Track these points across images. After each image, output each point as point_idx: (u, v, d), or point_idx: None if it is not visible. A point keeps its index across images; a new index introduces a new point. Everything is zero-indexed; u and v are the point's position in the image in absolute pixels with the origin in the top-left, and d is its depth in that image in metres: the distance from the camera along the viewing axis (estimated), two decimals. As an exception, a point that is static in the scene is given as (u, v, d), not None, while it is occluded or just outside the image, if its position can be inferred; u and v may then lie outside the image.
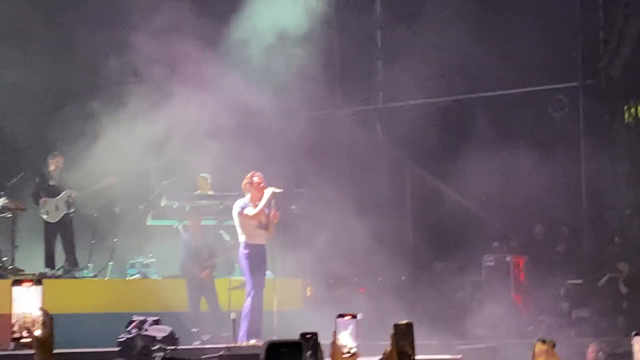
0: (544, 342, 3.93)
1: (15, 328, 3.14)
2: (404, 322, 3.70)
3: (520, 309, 16.83)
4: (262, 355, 2.93)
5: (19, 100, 16.54)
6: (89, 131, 15.38)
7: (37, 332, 3.14)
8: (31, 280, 3.16)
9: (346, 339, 3.68)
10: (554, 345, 3.92)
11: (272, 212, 12.23)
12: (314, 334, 3.81)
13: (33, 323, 3.14)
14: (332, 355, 3.69)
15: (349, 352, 3.68)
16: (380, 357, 3.75)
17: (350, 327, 3.68)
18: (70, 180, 15.13)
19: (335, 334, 3.68)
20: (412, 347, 3.69)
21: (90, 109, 15.72)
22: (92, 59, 16.34)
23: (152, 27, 14.92)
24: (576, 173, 17.84)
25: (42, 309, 3.15)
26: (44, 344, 3.14)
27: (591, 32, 17.96)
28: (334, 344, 3.68)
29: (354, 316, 3.68)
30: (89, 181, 15.11)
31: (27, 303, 3.13)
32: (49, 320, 3.16)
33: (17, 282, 3.15)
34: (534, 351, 3.93)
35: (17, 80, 16.20)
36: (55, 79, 16.72)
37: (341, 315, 3.70)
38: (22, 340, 3.14)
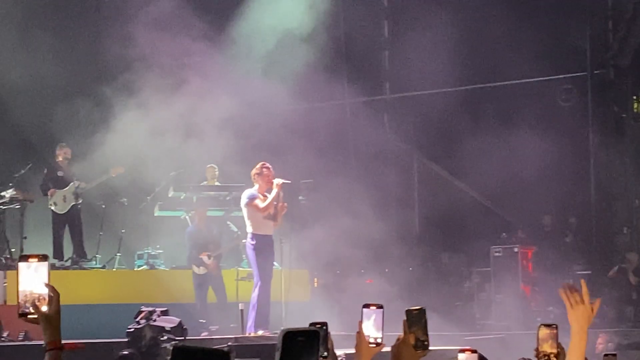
0: (547, 326, 3.89)
1: (22, 303, 3.12)
2: (417, 307, 3.68)
3: (529, 299, 16.80)
4: (279, 344, 2.90)
5: (26, 91, 16.53)
6: (97, 122, 15.38)
7: (44, 308, 3.12)
8: (37, 256, 3.14)
9: (371, 329, 3.67)
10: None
11: (280, 204, 12.22)
12: (324, 324, 3.79)
13: (39, 299, 3.12)
14: (358, 345, 3.69)
15: (374, 342, 3.67)
16: (393, 344, 3.73)
17: (375, 317, 3.65)
18: (78, 171, 15.14)
19: (360, 323, 3.68)
20: (426, 333, 3.67)
21: (98, 100, 15.73)
22: (98, 48, 16.33)
23: (160, 17, 14.90)
24: (585, 163, 17.79)
25: (48, 285, 3.12)
26: (51, 319, 3.13)
27: (600, 22, 17.89)
28: (359, 333, 3.68)
29: (380, 306, 3.68)
30: (97, 172, 15.12)
31: (33, 279, 3.11)
32: (55, 296, 3.14)
33: (24, 258, 3.13)
34: (537, 336, 3.89)
35: (23, 71, 16.20)
36: (62, 69, 16.70)
37: (366, 305, 3.70)
38: (29, 316, 3.13)
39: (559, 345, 3.87)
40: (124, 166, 14.87)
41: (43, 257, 3.15)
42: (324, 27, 16.57)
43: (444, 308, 15.78)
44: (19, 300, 3.12)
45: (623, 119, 18.11)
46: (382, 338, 3.70)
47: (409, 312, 3.68)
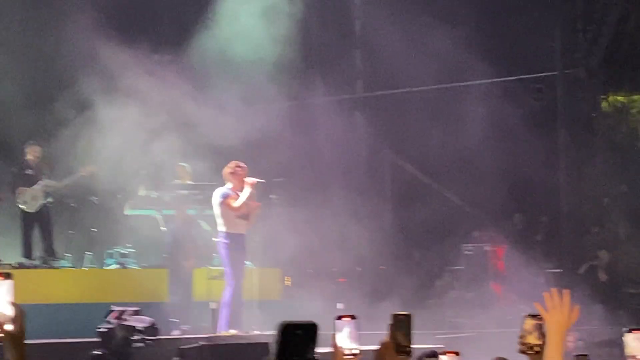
0: (533, 316, 3.86)
1: None
2: (403, 312, 3.66)
3: (500, 298, 16.88)
4: (277, 337, 2.88)
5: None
6: (67, 121, 15.28)
7: (8, 327, 3.08)
8: (1, 275, 3.10)
9: (345, 341, 3.62)
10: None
11: (254, 203, 12.19)
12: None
13: (3, 318, 3.08)
14: (334, 358, 3.62)
15: (351, 354, 3.61)
16: (377, 347, 3.71)
17: (350, 328, 3.61)
18: (48, 170, 15.03)
19: (334, 336, 3.62)
20: (408, 339, 3.64)
21: (68, 98, 15.62)
22: (66, 45, 16.22)
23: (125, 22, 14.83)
24: (555, 162, 17.89)
25: (13, 303, 3.09)
26: (15, 338, 3.09)
27: (570, 22, 17.99)
28: (334, 346, 3.62)
29: (353, 317, 3.62)
30: (67, 171, 15.02)
31: None
32: (20, 314, 3.10)
33: None
34: (523, 328, 3.87)
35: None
36: (33, 68, 16.59)
37: (339, 317, 3.65)
38: None
39: (543, 337, 3.85)
40: (95, 165, 14.79)
41: (6, 275, 3.11)
42: (296, 26, 16.54)
43: (416, 306, 15.81)
44: None
45: (593, 118, 18.24)
46: (358, 350, 3.64)
47: (395, 316, 3.66)
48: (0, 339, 3.08)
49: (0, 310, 3.06)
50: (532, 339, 3.87)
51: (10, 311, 3.08)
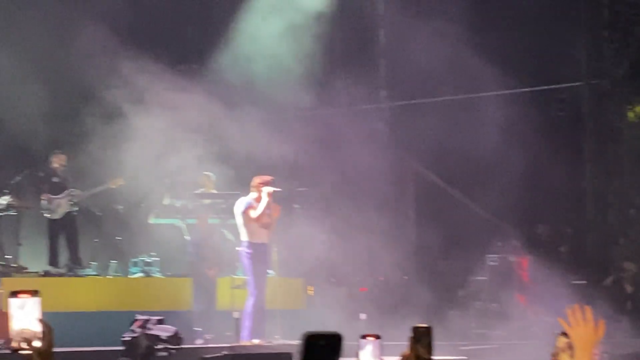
0: (566, 334, 3.81)
1: (14, 339, 3.10)
2: (424, 325, 3.65)
3: (524, 309, 16.80)
4: (301, 347, 2.87)
5: (24, 98, 16.52)
6: (95, 130, 15.38)
7: (37, 344, 3.11)
8: (28, 292, 3.13)
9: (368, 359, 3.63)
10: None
11: (273, 207, 12.23)
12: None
13: (32, 334, 3.10)
14: None
15: None
16: (397, 358, 3.71)
17: (372, 347, 3.60)
18: (75, 179, 15.14)
19: (358, 354, 3.63)
20: (429, 352, 3.64)
21: (96, 107, 15.72)
22: (95, 56, 16.34)
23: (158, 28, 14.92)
24: (580, 173, 17.81)
25: (41, 320, 3.11)
26: (44, 355, 3.12)
27: (596, 32, 17.91)
28: None
29: (377, 337, 3.63)
30: (94, 181, 15.13)
31: (25, 315, 3.10)
32: (48, 331, 3.13)
33: (14, 294, 3.12)
34: (556, 346, 3.82)
35: (21, 79, 16.20)
36: (61, 77, 16.71)
37: (364, 336, 3.65)
38: (22, 352, 3.11)
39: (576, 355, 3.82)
40: (122, 177, 14.89)
41: (34, 293, 3.14)
42: (320, 35, 16.59)
43: (439, 316, 15.78)
44: (11, 336, 3.11)
45: (618, 128, 18.13)
46: None
47: (415, 329, 3.66)
48: (29, 355, 3.11)
49: (28, 327, 3.09)
50: (565, 357, 3.84)
51: (38, 328, 3.11)
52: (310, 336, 2.81)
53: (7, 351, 11.87)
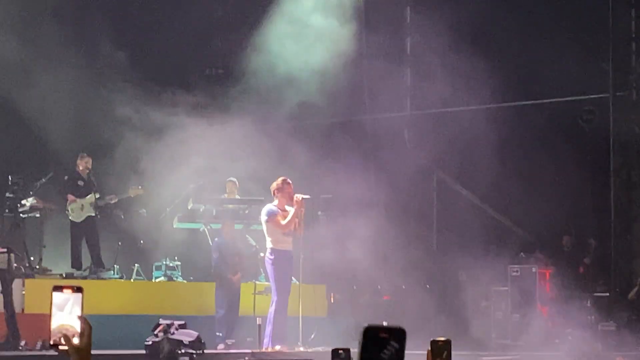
0: None
1: (54, 334, 3.11)
2: (443, 339, 3.64)
3: (546, 320, 16.72)
4: (360, 339, 2.78)
5: (51, 102, 16.64)
6: (119, 135, 15.46)
7: (76, 340, 3.11)
8: (71, 288, 3.14)
9: None
10: None
11: (299, 222, 12.23)
12: (346, 350, 3.72)
13: (71, 331, 3.11)
14: None
15: None
16: None
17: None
18: (99, 183, 15.23)
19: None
20: None
21: (122, 114, 15.80)
22: (118, 61, 16.44)
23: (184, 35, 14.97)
24: (605, 184, 17.72)
25: (81, 317, 3.12)
26: (82, 352, 3.12)
27: (622, 44, 17.84)
28: None
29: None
30: (117, 186, 15.21)
31: (66, 310, 3.11)
32: (88, 329, 3.13)
33: (58, 288, 3.13)
34: None
35: (49, 84, 16.31)
36: (87, 83, 16.82)
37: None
38: (60, 347, 3.12)
39: None
40: (142, 187, 14.97)
41: (77, 289, 3.15)
42: (346, 43, 16.59)
43: (461, 326, 15.73)
44: (51, 329, 3.12)
45: (644, 141, 18.04)
46: None
47: (434, 343, 3.65)
48: (67, 351, 3.12)
49: (68, 322, 3.09)
50: None
51: (78, 325, 3.11)
52: (369, 328, 2.70)
53: (29, 353, 11.94)
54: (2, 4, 15.77)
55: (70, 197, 14.95)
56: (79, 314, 3.10)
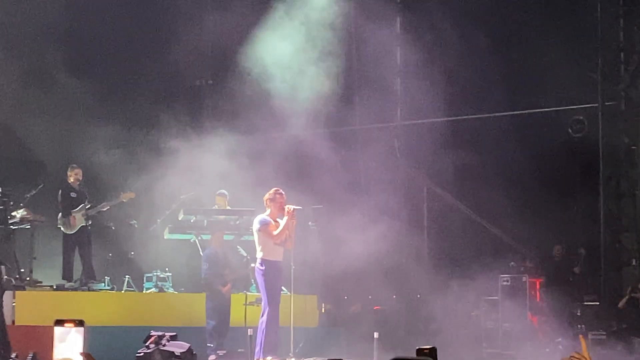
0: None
1: None
2: (428, 347, 3.66)
3: (537, 330, 16.77)
4: None
5: (41, 114, 16.65)
6: (109, 146, 15.48)
7: None
8: (73, 322, 3.16)
9: None
10: None
11: (290, 234, 12.25)
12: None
13: None
14: None
15: None
16: None
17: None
18: (89, 193, 15.23)
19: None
20: None
21: (110, 121, 15.82)
22: (109, 70, 16.47)
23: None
24: (595, 194, 17.79)
25: (84, 354, 3.14)
26: None
27: (611, 54, 17.94)
28: None
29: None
30: (108, 195, 15.20)
31: (68, 344, 3.12)
32: None
33: (60, 323, 3.15)
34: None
35: (39, 96, 16.33)
36: (75, 96, 16.84)
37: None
38: None
39: None
40: (135, 191, 14.97)
41: (79, 323, 3.17)
42: (336, 53, 16.64)
43: (452, 335, 15.76)
44: None
45: (633, 150, 18.13)
46: None
47: (420, 351, 3.67)
48: None
49: (70, 357, 3.11)
50: None
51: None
52: None
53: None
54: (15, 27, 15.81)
55: (71, 218, 14.89)
56: (81, 349, 3.12)
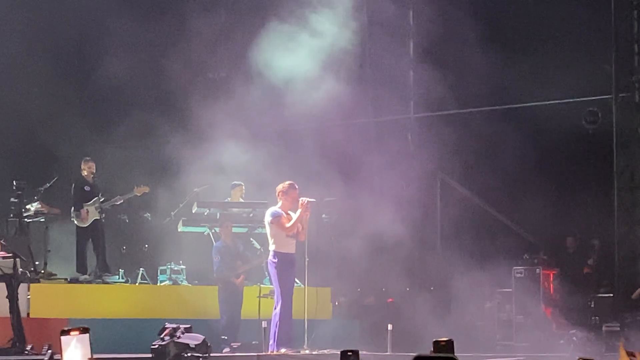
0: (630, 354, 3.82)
1: None
2: (444, 339, 3.67)
3: (550, 322, 16.74)
4: None
5: (55, 107, 16.70)
6: (123, 138, 15.52)
7: None
8: (78, 330, 3.17)
9: None
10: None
11: (303, 226, 12.25)
12: (355, 352, 3.75)
13: None
14: None
15: None
16: None
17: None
18: (103, 186, 15.27)
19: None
20: None
21: (125, 115, 15.85)
22: (120, 66, 16.51)
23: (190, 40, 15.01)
24: (608, 186, 17.73)
25: (91, 359, 3.16)
26: None
27: (625, 45, 17.86)
28: None
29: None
30: (121, 188, 15.24)
31: (75, 352, 3.14)
32: None
33: (65, 332, 3.17)
34: None
35: (53, 89, 16.37)
36: (89, 88, 16.89)
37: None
38: None
39: None
40: (148, 185, 15.01)
41: (84, 330, 3.18)
42: (350, 45, 16.62)
43: (465, 328, 15.75)
44: None
45: (648, 141, 18.05)
46: None
47: (436, 343, 3.68)
48: None
49: None
50: None
51: None
52: (419, 358, 2.71)
53: (35, 357, 11.97)
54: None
55: (83, 212, 14.93)
56: (89, 355, 3.13)
